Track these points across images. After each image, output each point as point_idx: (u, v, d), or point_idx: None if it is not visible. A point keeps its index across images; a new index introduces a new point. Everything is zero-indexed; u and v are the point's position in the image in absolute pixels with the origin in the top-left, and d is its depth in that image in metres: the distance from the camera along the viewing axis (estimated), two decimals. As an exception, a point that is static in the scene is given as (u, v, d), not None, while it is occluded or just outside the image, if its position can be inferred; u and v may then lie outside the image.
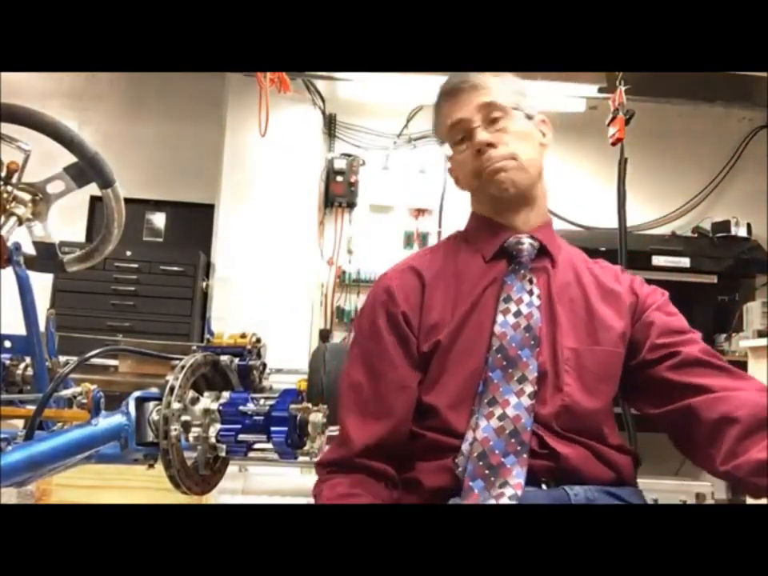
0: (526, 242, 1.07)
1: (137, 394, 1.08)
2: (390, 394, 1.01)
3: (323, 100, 4.39)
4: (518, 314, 1.01)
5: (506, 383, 0.96)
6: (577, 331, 1.03)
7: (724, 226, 4.36)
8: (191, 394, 1.02)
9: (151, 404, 1.08)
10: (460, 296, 1.04)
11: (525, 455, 0.93)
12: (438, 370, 1.01)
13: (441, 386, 1.00)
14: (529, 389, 0.96)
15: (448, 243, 1.16)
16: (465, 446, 0.95)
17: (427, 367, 1.02)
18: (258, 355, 1.25)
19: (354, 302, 4.43)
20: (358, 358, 1.06)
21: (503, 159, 1.04)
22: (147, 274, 3.99)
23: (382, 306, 1.05)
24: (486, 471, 0.92)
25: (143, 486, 2.06)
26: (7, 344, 1.30)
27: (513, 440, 0.93)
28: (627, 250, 3.23)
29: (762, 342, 3.08)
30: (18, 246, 1.24)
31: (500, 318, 1.01)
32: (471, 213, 1.17)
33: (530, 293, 1.03)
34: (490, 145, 1.04)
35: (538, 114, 1.11)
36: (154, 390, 1.09)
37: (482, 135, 1.04)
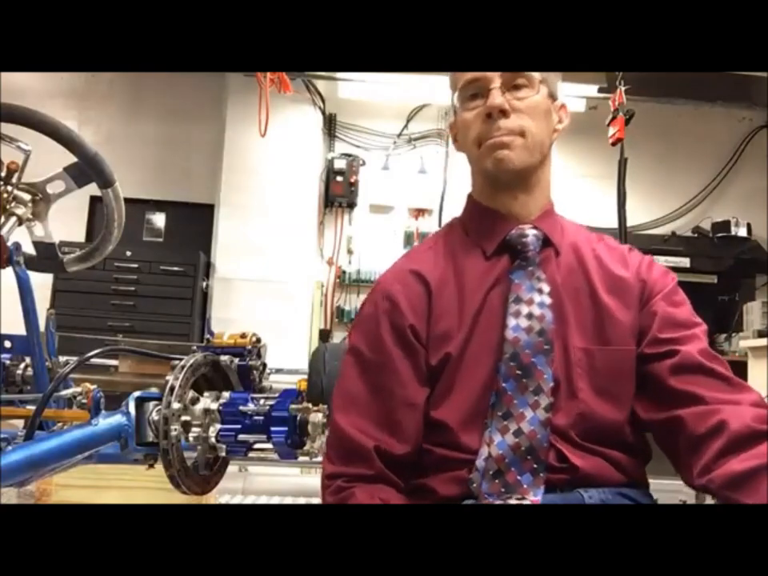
0: (530, 234, 0.98)
1: (137, 394, 1.09)
2: (396, 411, 0.93)
3: (323, 100, 4.39)
4: (530, 316, 0.93)
5: (521, 394, 0.90)
6: (585, 327, 0.95)
7: (724, 226, 4.37)
8: (191, 394, 1.02)
9: (151, 404, 1.08)
10: (465, 299, 0.96)
11: (542, 474, 0.88)
12: (447, 384, 0.93)
13: (451, 401, 0.93)
14: (544, 401, 0.90)
15: (446, 237, 1.06)
16: (479, 462, 0.90)
17: (435, 381, 0.94)
18: (258, 355, 1.25)
19: (354, 302, 4.44)
20: (356, 369, 0.97)
21: (511, 133, 0.95)
22: (147, 274, 3.99)
23: (386, 314, 0.96)
24: (502, 489, 0.88)
25: (143, 485, 2.06)
26: (7, 344, 1.30)
27: (529, 457, 0.88)
28: (627, 250, 3.23)
29: (762, 341, 3.09)
30: (18, 246, 1.24)
31: (511, 321, 0.93)
32: (468, 196, 1.07)
33: (540, 291, 0.94)
34: (503, 112, 0.94)
35: (560, 98, 1.03)
36: (154, 390, 1.09)
37: (498, 99, 0.94)
